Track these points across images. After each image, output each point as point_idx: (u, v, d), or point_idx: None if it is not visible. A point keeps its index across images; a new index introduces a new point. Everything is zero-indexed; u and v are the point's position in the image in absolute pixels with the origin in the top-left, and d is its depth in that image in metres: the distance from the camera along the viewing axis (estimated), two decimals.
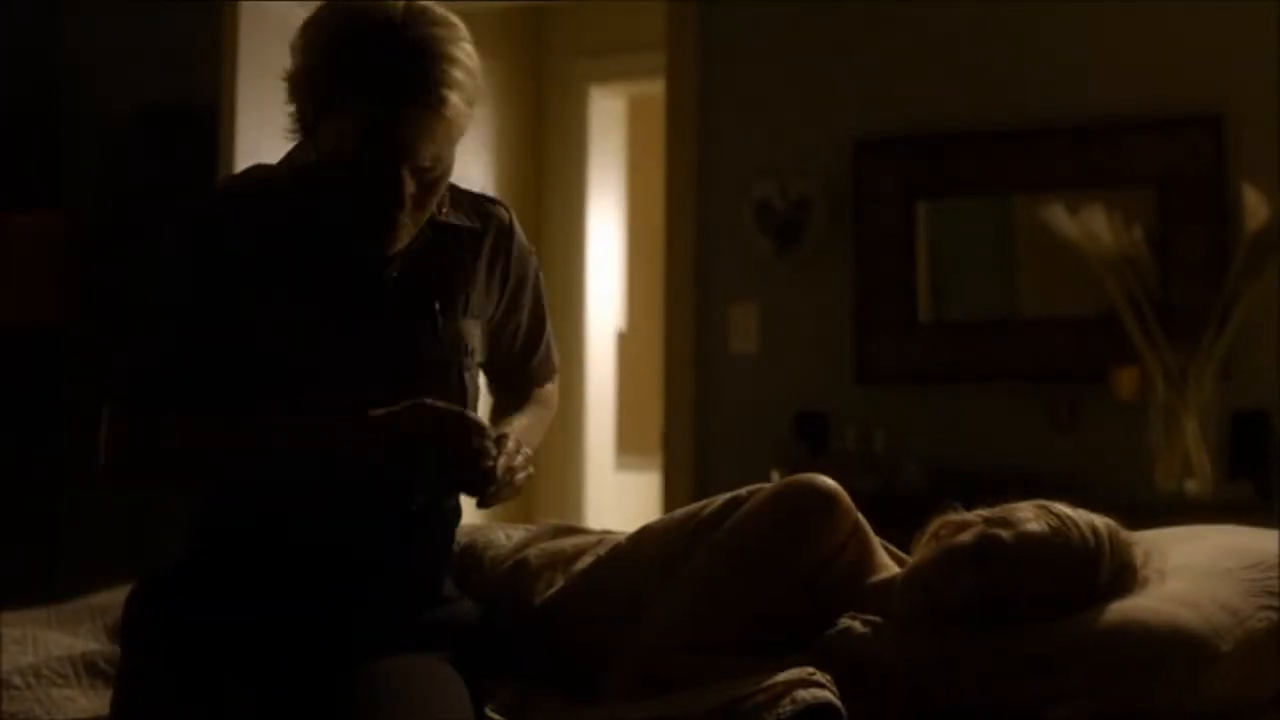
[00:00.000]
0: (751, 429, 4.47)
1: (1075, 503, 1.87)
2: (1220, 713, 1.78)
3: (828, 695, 1.67)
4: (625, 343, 6.30)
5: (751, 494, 1.95)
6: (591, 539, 2.09)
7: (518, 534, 2.14)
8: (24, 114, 4.89)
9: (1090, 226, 3.92)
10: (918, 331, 4.36)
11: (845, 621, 1.81)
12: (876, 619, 1.81)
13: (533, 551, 2.06)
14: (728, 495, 1.97)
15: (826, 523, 1.89)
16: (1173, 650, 1.72)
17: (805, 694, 1.66)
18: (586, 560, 2.02)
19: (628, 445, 6.20)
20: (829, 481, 1.90)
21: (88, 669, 2.03)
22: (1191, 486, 3.77)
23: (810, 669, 1.71)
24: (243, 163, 4.32)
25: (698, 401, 4.57)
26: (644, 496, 5.50)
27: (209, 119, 4.37)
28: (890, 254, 4.37)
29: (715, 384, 4.57)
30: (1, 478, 4.63)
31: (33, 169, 4.89)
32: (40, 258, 4.59)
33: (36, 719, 1.84)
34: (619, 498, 6.02)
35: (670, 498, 4.44)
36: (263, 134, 4.41)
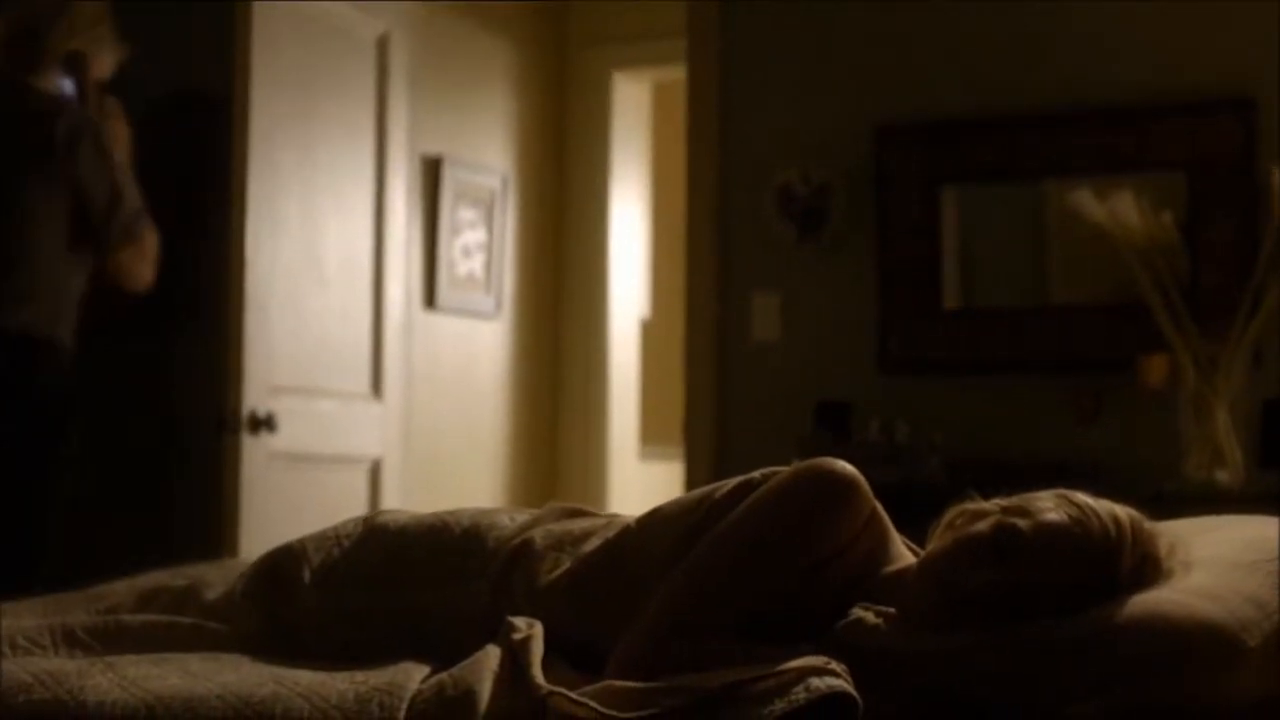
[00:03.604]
0: (773, 418, 4.43)
1: (1100, 493, 1.81)
2: (1245, 708, 1.73)
3: (843, 684, 1.62)
4: (649, 330, 6.26)
5: (766, 477, 1.90)
6: (600, 521, 2.05)
7: (522, 516, 2.10)
8: None
9: (1119, 212, 3.86)
10: (942, 320, 4.30)
11: (857, 612, 1.77)
12: (889, 610, 1.76)
13: (538, 533, 2.02)
14: (740, 478, 1.92)
15: (843, 510, 1.83)
16: (1197, 645, 1.66)
17: (820, 682, 1.61)
18: (594, 542, 1.97)
19: (651, 435, 6.17)
20: (847, 466, 1.84)
21: (66, 638, 1.98)
22: (1222, 476, 3.71)
23: (825, 658, 1.66)
24: (256, 150, 4.29)
25: (719, 390, 4.53)
26: (667, 486, 5.46)
27: (224, 108, 4.35)
28: (914, 241, 4.32)
29: (737, 373, 4.53)
30: (9, 484, 4.59)
31: None
32: None
33: (19, 680, 1.77)
34: (642, 487, 5.98)
35: (692, 487, 4.40)
36: (275, 122, 4.38)
